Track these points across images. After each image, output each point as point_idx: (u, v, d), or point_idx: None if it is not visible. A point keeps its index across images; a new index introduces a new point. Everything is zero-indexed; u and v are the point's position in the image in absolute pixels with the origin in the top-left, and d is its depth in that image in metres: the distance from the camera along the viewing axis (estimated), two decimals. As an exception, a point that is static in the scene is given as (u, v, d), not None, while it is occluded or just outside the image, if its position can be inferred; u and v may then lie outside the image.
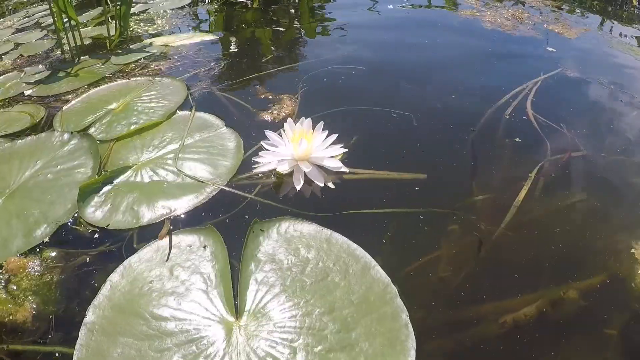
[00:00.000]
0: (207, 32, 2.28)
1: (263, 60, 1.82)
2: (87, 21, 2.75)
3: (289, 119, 1.09)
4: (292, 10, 3.07)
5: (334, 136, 1.09)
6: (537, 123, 1.49)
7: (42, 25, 2.84)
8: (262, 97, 1.45)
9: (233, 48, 2.04)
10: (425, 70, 1.95)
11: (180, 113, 1.32)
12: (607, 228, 1.03)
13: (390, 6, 3.21)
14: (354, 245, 0.85)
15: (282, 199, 1.01)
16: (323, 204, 1.00)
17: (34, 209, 0.98)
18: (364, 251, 0.85)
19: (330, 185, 1.04)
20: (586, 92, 2.00)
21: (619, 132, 1.64)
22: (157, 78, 1.57)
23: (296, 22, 2.80)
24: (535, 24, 3.20)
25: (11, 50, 2.35)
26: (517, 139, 1.36)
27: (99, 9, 2.98)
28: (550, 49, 2.65)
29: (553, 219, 1.03)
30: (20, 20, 3.12)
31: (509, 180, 1.14)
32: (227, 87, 1.53)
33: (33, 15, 3.21)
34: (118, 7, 2.10)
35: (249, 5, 3.06)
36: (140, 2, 3.13)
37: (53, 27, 2.13)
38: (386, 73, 1.83)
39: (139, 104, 1.38)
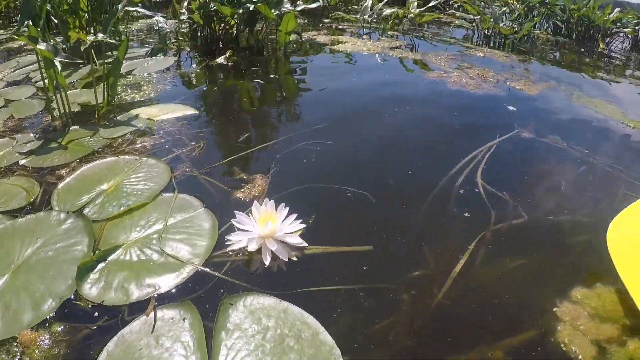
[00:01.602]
0: (188, 105, 2.51)
1: (239, 140, 2.07)
2: (76, 81, 2.98)
3: (255, 202, 1.36)
4: (272, 75, 3.33)
5: (294, 215, 1.36)
6: (484, 192, 1.76)
7: (33, 80, 3.06)
8: (237, 177, 1.70)
9: (211, 125, 2.28)
10: (387, 143, 2.23)
11: (164, 195, 1.56)
12: (534, 291, 1.27)
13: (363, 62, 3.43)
14: (307, 314, 1.11)
15: (250, 273, 1.24)
16: (285, 276, 1.25)
17: (39, 284, 1.19)
18: (315, 319, 1.10)
19: (293, 258, 1.29)
20: (537, 155, 2.28)
21: (566, 192, 1.91)
22: (143, 158, 1.81)
23: (274, 88, 3.07)
24: (498, 82, 3.51)
25: (2, 107, 2.56)
26: (464, 211, 1.61)
27: (88, 67, 3.21)
28: (511, 108, 2.93)
29: (486, 286, 1.27)
30: (10, 71, 3.33)
31: (449, 252, 1.39)
32: (206, 168, 1.77)
33: (23, 66, 3.42)
34: (106, 72, 2.35)
35: (228, 64, 3.34)
36: (126, 61, 3.37)
37: (42, 85, 2.36)
38: (352, 147, 2.10)
39: (128, 186, 1.62)
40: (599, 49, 8.04)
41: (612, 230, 1.54)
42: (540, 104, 3.26)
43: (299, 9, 3.83)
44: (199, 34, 3.97)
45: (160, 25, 4.17)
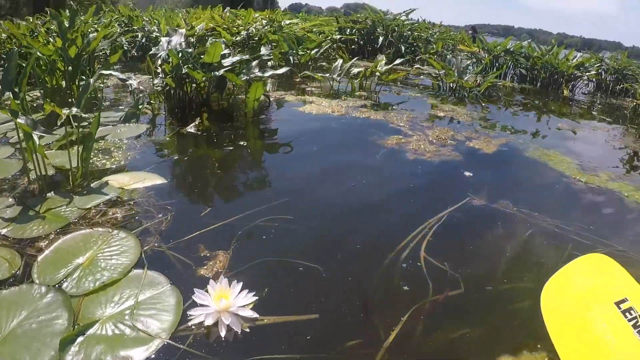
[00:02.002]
0: (158, 174, 2.71)
1: (204, 214, 2.28)
2: (52, 143, 3.19)
3: (211, 281, 1.60)
4: (240, 142, 3.55)
5: (246, 291, 1.59)
6: (426, 265, 1.96)
7: (10, 139, 3.26)
8: (201, 254, 1.90)
9: (179, 196, 2.49)
10: (341, 216, 2.46)
11: (135, 271, 1.76)
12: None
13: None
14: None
15: (210, 345, 1.45)
16: (238, 346, 1.45)
17: (26, 355, 1.37)
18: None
19: (246, 329, 1.50)
20: (485, 223, 2.50)
21: (508, 259, 2.12)
22: (115, 231, 2.02)
23: (241, 157, 3.29)
24: (457, 144, 3.76)
25: (-21, 165, 2.75)
26: (404, 284, 1.82)
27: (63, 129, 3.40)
28: (467, 174, 3.17)
29: (416, 356, 1.48)
30: (-12, 129, 3.49)
31: (385, 323, 1.59)
32: (172, 243, 1.98)
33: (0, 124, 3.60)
34: (80, 143, 2.56)
35: (197, 131, 3.56)
36: (100, 126, 3.56)
37: (19, 146, 2.55)
38: (308, 222, 2.32)
39: (102, 260, 1.82)
40: (563, 95, 8.39)
41: (545, 294, 1.70)
42: (496, 164, 3.53)
43: (267, 74, 4.10)
44: (171, 92, 4.18)
45: (133, 88, 4.38)
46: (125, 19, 9.16)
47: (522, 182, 3.28)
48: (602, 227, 2.57)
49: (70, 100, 4.05)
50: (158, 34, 6.65)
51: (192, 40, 6.50)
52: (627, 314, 1.52)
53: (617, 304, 1.56)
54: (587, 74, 9.22)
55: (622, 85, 9.33)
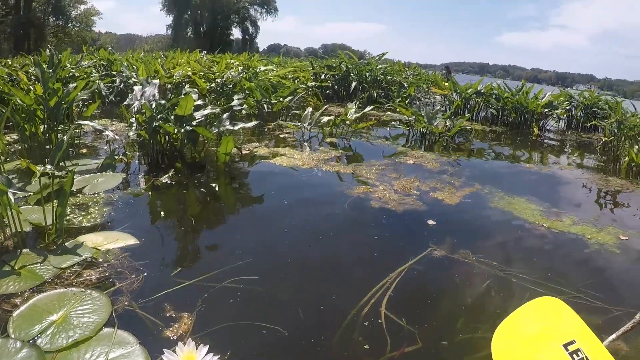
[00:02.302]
0: (130, 233, 2.80)
1: (174, 274, 2.40)
2: (29, 196, 3.27)
3: (180, 343, 1.71)
4: (211, 196, 3.68)
5: (212, 354, 1.70)
6: (386, 321, 2.07)
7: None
8: (169, 314, 2.02)
9: (151, 256, 2.59)
10: (305, 273, 2.58)
11: (106, 330, 1.87)
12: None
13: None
14: None
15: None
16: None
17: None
18: None
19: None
20: (445, 275, 2.62)
21: (465, 312, 2.23)
22: (88, 291, 2.14)
23: (212, 212, 3.42)
24: (421, 194, 3.89)
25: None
26: (364, 341, 1.93)
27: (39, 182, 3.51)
28: (431, 223, 3.30)
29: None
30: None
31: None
32: (141, 303, 2.09)
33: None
34: (55, 200, 2.68)
35: (172, 182, 3.70)
36: (78, 175, 3.67)
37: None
38: (272, 280, 2.43)
39: (75, 318, 1.93)
40: (534, 134, 8.60)
41: (496, 339, 1.73)
42: (458, 214, 3.66)
43: (237, 127, 4.27)
44: (146, 143, 4.31)
45: (109, 138, 4.51)
46: (104, 62, 9.31)
47: (484, 232, 3.41)
48: (560, 273, 2.72)
49: (48, 146, 4.16)
50: (136, 80, 6.79)
51: (169, 86, 6.71)
52: (574, 355, 1.55)
53: (565, 346, 1.59)
54: (557, 111, 9.51)
55: (591, 123, 9.61)
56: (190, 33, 67.28)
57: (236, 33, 74.36)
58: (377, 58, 13.70)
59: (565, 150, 7.82)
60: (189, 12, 65.50)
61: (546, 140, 8.49)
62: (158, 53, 16.00)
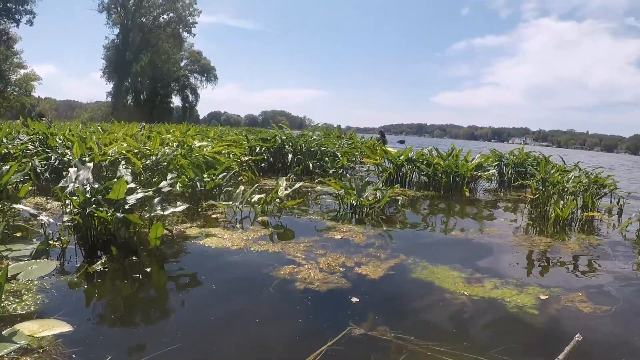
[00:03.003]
0: (64, 321, 2.83)
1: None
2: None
3: None
4: (143, 282, 3.75)
5: None
6: None
7: None
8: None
9: (83, 344, 2.63)
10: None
11: None
12: None
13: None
14: None
15: None
16: None
17: None
18: None
19: None
20: (363, 354, 2.71)
21: None
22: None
23: (141, 300, 3.49)
24: (346, 270, 4.01)
25: None
26: None
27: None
28: (354, 300, 3.42)
29: None
30: None
31: None
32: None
33: None
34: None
35: (104, 268, 3.74)
36: (11, 264, 3.67)
37: None
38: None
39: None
40: (465, 197, 8.89)
41: None
42: (381, 289, 3.76)
43: (167, 212, 4.38)
44: (80, 226, 4.34)
45: (43, 222, 4.53)
46: (40, 136, 9.26)
47: (404, 306, 3.53)
48: (475, 341, 2.86)
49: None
50: (71, 158, 6.79)
51: (104, 163, 6.76)
52: None
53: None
54: (486, 173, 9.89)
55: (518, 182, 10.01)
56: (130, 101, 67.33)
57: (176, 101, 74.98)
58: (311, 129, 14.08)
59: (495, 211, 8.13)
60: (129, 80, 65.69)
61: (477, 202, 8.82)
62: (95, 125, 15.98)
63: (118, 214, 4.07)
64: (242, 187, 6.31)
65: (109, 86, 65.19)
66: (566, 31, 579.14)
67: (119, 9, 62.69)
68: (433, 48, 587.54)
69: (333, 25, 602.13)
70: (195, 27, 67.87)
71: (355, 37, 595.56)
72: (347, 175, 10.88)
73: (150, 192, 4.67)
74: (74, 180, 4.47)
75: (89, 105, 68.92)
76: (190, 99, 78.27)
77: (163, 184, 5.12)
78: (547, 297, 3.66)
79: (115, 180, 4.52)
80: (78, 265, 3.94)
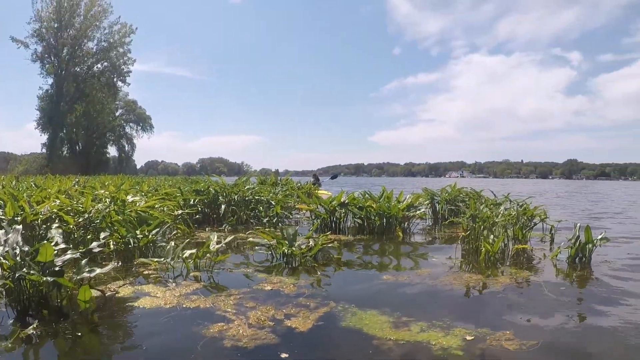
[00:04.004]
0: None
1: None
2: None
3: None
4: (73, 350, 3.74)
5: None
6: None
7: None
8: None
9: None
10: None
11: None
12: None
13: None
14: None
15: None
16: None
17: None
18: None
19: None
20: None
21: None
22: None
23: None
24: (275, 324, 4.07)
25: None
26: None
27: None
28: (283, 356, 3.48)
29: None
30: None
31: None
32: None
33: None
34: None
35: (36, 332, 3.73)
36: None
37: None
38: None
39: None
40: (398, 238, 8.98)
41: None
42: (309, 341, 3.79)
43: (93, 275, 4.40)
44: (12, 290, 4.30)
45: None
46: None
47: (333, 359, 3.60)
48: None
49: None
50: (3, 217, 6.67)
51: (37, 222, 6.67)
52: None
53: None
54: (417, 213, 10.09)
55: (448, 221, 10.25)
56: (65, 152, 66.04)
57: (112, 151, 74.12)
58: (247, 175, 14.19)
59: (428, 250, 8.24)
60: (64, 131, 64.53)
61: (411, 243, 8.94)
62: (29, 181, 15.60)
63: (48, 278, 4.07)
64: (172, 243, 6.34)
65: (44, 137, 63.77)
66: (496, 65, 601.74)
67: (52, 58, 61.85)
68: (368, 89, 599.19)
69: (268, 71, 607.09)
70: (129, 75, 67.72)
71: (291, 82, 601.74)
72: (282, 223, 10.97)
73: (78, 254, 4.68)
74: (3, 243, 4.45)
75: (24, 157, 67.02)
76: (127, 148, 77.56)
77: (93, 244, 5.13)
78: (472, 337, 3.72)
79: (44, 242, 4.53)
80: (10, 330, 3.91)
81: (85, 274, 4.40)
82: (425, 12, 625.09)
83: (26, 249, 4.47)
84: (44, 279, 4.07)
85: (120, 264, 6.47)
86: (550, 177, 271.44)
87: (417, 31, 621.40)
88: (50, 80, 63.11)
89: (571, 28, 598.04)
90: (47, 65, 61.97)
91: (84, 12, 62.70)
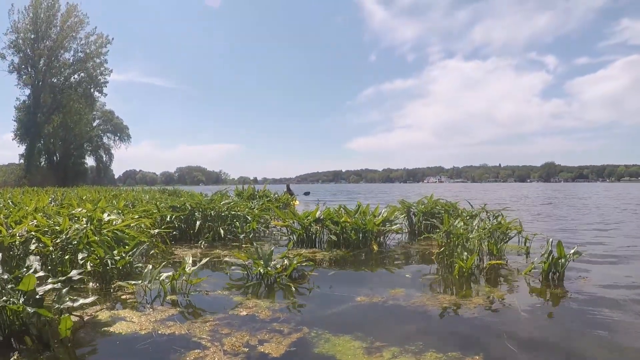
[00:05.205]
0: None
1: None
2: None
3: None
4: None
5: None
6: None
7: None
8: None
9: None
10: None
11: None
12: None
13: None
14: None
15: None
16: None
17: None
18: None
19: None
20: None
21: None
22: None
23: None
24: (249, 350, 4.09)
25: None
26: None
27: None
28: None
29: None
30: None
31: None
32: None
33: None
34: None
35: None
36: None
37: None
38: None
39: None
40: (374, 253, 8.91)
41: None
42: None
43: (76, 305, 4.42)
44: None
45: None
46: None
47: None
48: None
49: None
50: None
51: (16, 243, 6.62)
52: None
53: None
54: (393, 227, 10.07)
55: (424, 235, 10.22)
56: (43, 162, 65.41)
57: (90, 161, 73.54)
58: (224, 191, 14.19)
59: (403, 266, 8.20)
60: (41, 141, 63.94)
61: (386, 259, 8.83)
62: (6, 198, 15.38)
63: (29, 309, 4.08)
64: (150, 266, 6.33)
65: (22, 148, 63.11)
66: (472, 70, 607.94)
67: (29, 69, 61.29)
68: (344, 96, 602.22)
69: (245, 79, 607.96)
70: (106, 86, 67.40)
71: (268, 90, 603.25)
72: (259, 238, 10.97)
73: (59, 284, 4.69)
74: (-19, 272, 4.45)
75: (2, 168, 66.12)
76: (104, 159, 77.06)
77: (73, 272, 5.14)
78: (444, 363, 3.62)
79: (24, 269, 4.53)
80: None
81: (68, 303, 4.41)
82: (401, 18, 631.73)
83: (5, 277, 4.47)
84: (26, 309, 4.08)
85: (98, 285, 6.45)
86: (528, 180, 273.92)
87: (392, 37, 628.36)
88: (27, 91, 62.65)
89: (546, 32, 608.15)
90: (24, 76, 61.42)
91: (60, 23, 62.31)
